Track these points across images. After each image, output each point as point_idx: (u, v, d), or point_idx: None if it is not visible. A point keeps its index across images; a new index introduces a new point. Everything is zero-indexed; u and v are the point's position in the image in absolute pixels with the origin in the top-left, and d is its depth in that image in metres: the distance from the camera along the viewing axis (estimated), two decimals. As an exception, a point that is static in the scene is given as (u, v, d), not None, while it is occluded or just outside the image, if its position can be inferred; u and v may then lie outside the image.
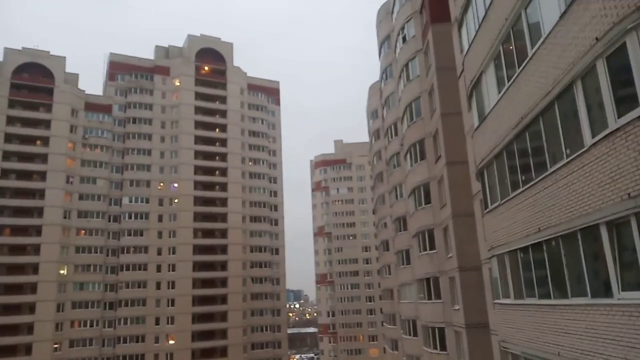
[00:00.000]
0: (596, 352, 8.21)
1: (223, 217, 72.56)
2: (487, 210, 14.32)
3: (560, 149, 9.40)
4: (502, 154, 12.61)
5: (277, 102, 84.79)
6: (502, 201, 12.77)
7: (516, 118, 11.25)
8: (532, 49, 10.43)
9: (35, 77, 64.73)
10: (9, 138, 61.96)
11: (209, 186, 73.09)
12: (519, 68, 11.13)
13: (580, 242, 8.81)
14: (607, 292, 7.97)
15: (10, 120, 62.53)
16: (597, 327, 8.22)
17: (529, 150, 11.00)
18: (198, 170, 72.21)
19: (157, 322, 65.20)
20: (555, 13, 9.27)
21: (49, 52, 66.68)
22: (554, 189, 9.66)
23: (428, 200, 29.09)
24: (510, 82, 11.74)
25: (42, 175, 62.64)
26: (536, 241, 10.64)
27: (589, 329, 8.50)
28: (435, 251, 28.11)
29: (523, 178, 11.38)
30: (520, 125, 11.07)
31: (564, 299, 9.50)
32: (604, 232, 7.94)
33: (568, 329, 9.32)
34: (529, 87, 10.62)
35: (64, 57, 67.52)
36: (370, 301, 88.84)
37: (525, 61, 10.71)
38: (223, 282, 70.20)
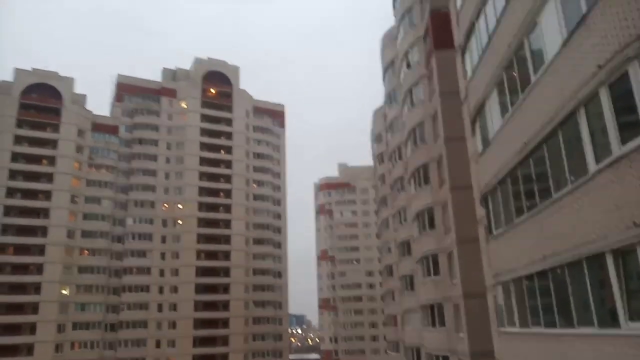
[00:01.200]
0: (604, 384, 7.99)
1: (226, 239, 72.29)
2: (492, 236, 14.18)
3: (564, 175, 9.35)
4: (506, 179, 12.56)
5: (282, 125, 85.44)
6: (507, 227, 12.66)
7: (520, 144, 11.24)
8: (535, 75, 10.50)
9: (44, 98, 65.67)
10: (15, 157, 62.52)
11: (213, 208, 73.10)
12: (522, 94, 11.18)
13: (585, 270, 8.68)
14: (614, 321, 7.80)
15: (18, 140, 63.21)
16: (604, 357, 8.02)
17: (533, 177, 10.95)
18: (202, 191, 72.36)
19: (158, 345, 64.36)
20: (557, 40, 9.35)
21: (57, 73, 67.83)
22: (558, 216, 9.57)
23: (432, 225, 28.88)
24: (513, 109, 11.78)
25: (48, 195, 62.92)
26: (541, 269, 10.49)
27: (595, 359, 8.29)
28: (439, 277, 27.76)
29: (527, 204, 11.30)
30: (524, 152, 11.05)
31: (570, 328, 9.31)
32: (609, 261, 7.82)
33: (575, 359, 9.09)
34: (532, 113, 10.64)
35: (72, 78, 68.68)
36: (373, 327, 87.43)
37: (529, 88, 10.77)
38: (225, 306, 69.47)
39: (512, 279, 12.41)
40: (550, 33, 9.77)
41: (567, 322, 9.45)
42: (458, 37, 17.42)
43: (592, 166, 8.26)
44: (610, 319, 7.96)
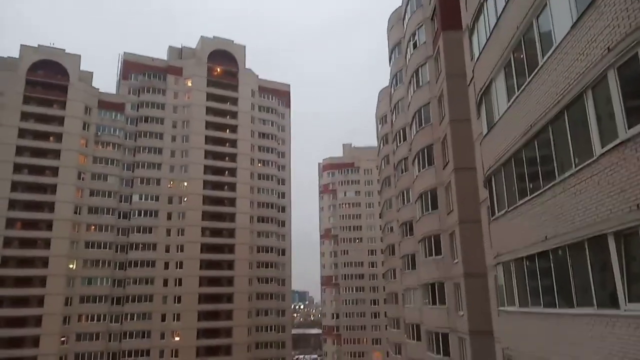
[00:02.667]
0: (601, 363, 8.20)
1: (231, 217, 72.91)
2: (494, 217, 14.31)
3: (569, 158, 9.40)
4: (510, 161, 12.62)
5: (288, 105, 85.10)
6: (509, 209, 12.76)
7: (525, 126, 11.26)
8: (543, 57, 10.45)
9: (50, 75, 65.55)
10: (22, 133, 62.77)
11: (218, 186, 73.51)
12: (529, 76, 11.15)
13: (587, 252, 8.80)
14: (613, 303, 7.95)
15: (25, 116, 63.35)
16: (602, 337, 8.21)
17: (538, 159, 11.00)
18: (208, 170, 72.67)
19: (164, 319, 65.61)
20: (567, 22, 9.29)
21: (64, 50, 67.53)
22: (561, 198, 9.66)
23: (435, 206, 29.05)
24: (520, 90, 11.75)
25: (54, 171, 63.37)
26: (543, 250, 10.64)
27: (594, 340, 8.48)
28: (441, 256, 28.06)
29: (531, 186, 11.38)
30: (529, 134, 11.08)
31: (569, 309, 9.48)
32: (611, 243, 7.93)
33: (573, 339, 9.30)
34: (539, 95, 10.63)
35: (79, 55, 68.35)
36: (374, 304, 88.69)
37: (536, 70, 10.73)
38: (229, 281, 70.49)
39: (514, 259, 12.58)
40: (559, 14, 9.70)
41: (567, 303, 9.63)
42: (466, 18, 17.24)
43: (597, 149, 8.30)
44: (609, 300, 8.12)
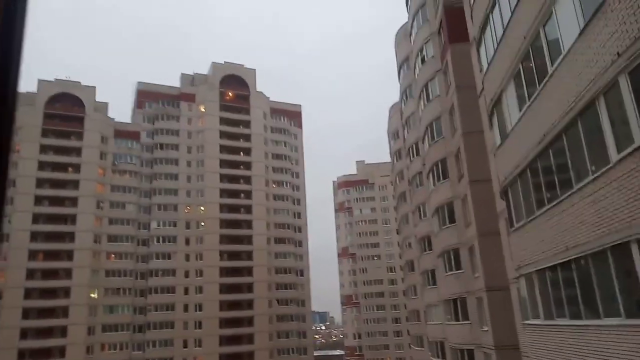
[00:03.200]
0: (633, 375, 7.93)
1: (248, 239, 73.00)
2: (513, 229, 14.10)
3: (585, 165, 9.29)
4: (525, 171, 12.49)
5: (300, 125, 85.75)
6: (528, 219, 12.58)
7: (539, 135, 11.17)
8: (552, 66, 10.42)
9: (67, 107, 67.23)
10: (42, 166, 64.21)
11: (234, 209, 73.87)
12: (539, 85, 11.11)
13: (610, 261, 8.61)
14: (641, 311, 7.73)
15: (43, 149, 64.89)
16: (632, 348, 7.96)
17: (553, 168, 10.88)
18: (223, 193, 73.18)
19: (185, 345, 65.41)
20: (574, 30, 9.28)
21: (79, 82, 69.40)
22: (580, 207, 9.51)
23: (452, 220, 28.74)
24: (531, 100, 11.70)
25: (74, 201, 64.45)
26: (564, 260, 10.43)
27: (623, 351, 8.23)
28: (461, 271, 27.63)
29: (548, 196, 11.22)
30: (543, 143, 10.98)
31: (596, 320, 9.24)
32: (635, 250, 7.76)
33: (601, 351, 9.04)
34: (550, 104, 10.57)
35: (94, 87, 70.15)
36: (396, 323, 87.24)
37: (546, 78, 10.69)
38: (249, 304, 70.19)
39: (535, 270, 12.34)
40: (566, 22, 9.70)
41: (593, 313, 9.39)
42: (473, 30, 17.32)
43: (613, 155, 8.19)
44: (637, 309, 7.90)
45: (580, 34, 9.04)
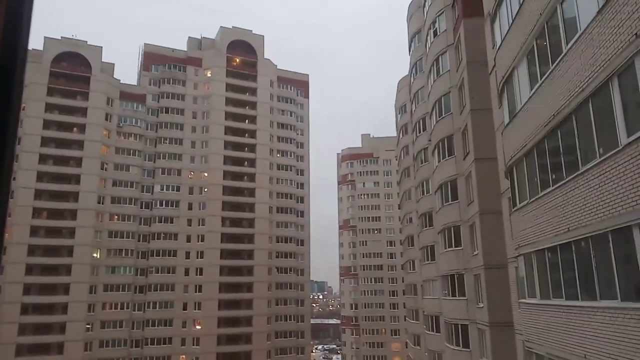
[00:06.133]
0: (625, 357, 8.06)
1: (250, 207, 73.48)
2: (515, 208, 14.11)
3: (593, 147, 9.20)
4: (532, 151, 12.40)
5: (306, 95, 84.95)
6: (531, 200, 12.57)
7: (548, 115, 11.03)
8: (567, 44, 10.20)
9: (73, 66, 66.64)
10: (47, 125, 64.15)
11: (238, 176, 74.08)
12: (552, 64, 10.90)
13: (611, 244, 8.63)
14: (638, 296, 7.80)
15: (49, 108, 64.68)
16: (627, 331, 8.06)
17: (561, 149, 10.79)
18: (227, 160, 73.21)
19: (185, 308, 66.76)
20: (592, 8, 9.04)
21: (86, 41, 68.54)
22: (585, 189, 9.47)
23: (455, 197, 28.77)
24: (543, 79, 11.50)
25: (78, 161, 64.66)
26: (565, 241, 10.47)
27: (618, 333, 8.34)
28: (460, 248, 27.84)
29: (553, 177, 11.17)
30: (553, 123, 10.86)
31: (592, 301, 9.34)
32: (636, 235, 7.76)
33: (596, 332, 9.16)
34: (562, 83, 10.39)
35: (101, 47, 69.30)
36: (393, 295, 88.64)
37: (560, 57, 10.48)
38: (249, 271, 71.24)
39: (535, 251, 12.41)
40: (584, 0, 9.43)
41: (590, 295, 9.48)
42: (487, 5, 16.90)
43: (623, 138, 8.10)
44: (634, 293, 7.97)
45: (598, 13, 8.80)
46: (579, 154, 9.81)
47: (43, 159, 63.14)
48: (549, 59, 11.16)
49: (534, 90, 12.13)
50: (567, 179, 10.26)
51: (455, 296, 28.11)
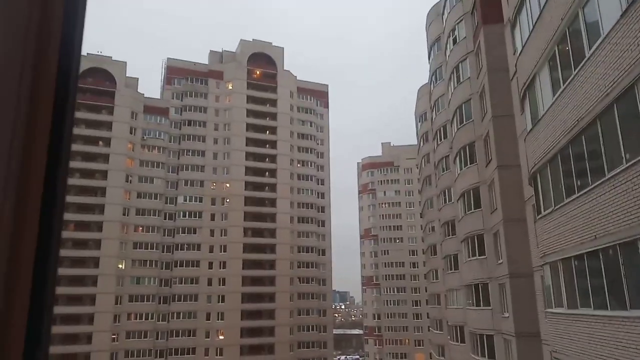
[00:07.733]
0: (656, 367, 7.82)
1: (272, 217, 73.86)
2: (540, 215, 13.87)
3: (619, 153, 9.03)
4: (556, 158, 12.21)
5: (326, 105, 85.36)
6: (556, 207, 12.35)
7: (572, 121, 10.87)
8: (589, 49, 10.07)
9: (99, 81, 68.50)
10: (74, 139, 65.78)
11: (259, 187, 74.65)
12: (575, 69, 10.77)
13: (640, 251, 8.42)
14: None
15: (75, 122, 66.25)
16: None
17: (585, 155, 10.60)
18: (249, 171, 73.94)
19: (208, 318, 67.23)
20: (615, 12, 8.93)
21: (111, 57, 70.48)
22: (612, 195, 9.28)
23: (478, 205, 28.40)
24: (565, 84, 11.36)
25: (104, 174, 66.23)
26: (592, 249, 10.24)
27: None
28: (484, 257, 27.41)
29: (579, 183, 10.98)
30: (576, 129, 10.69)
31: (622, 311, 9.10)
32: (666, 241, 7.56)
33: (626, 342, 8.91)
34: (585, 89, 10.24)
35: (125, 62, 71.16)
36: (416, 305, 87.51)
37: (582, 62, 10.35)
38: (271, 281, 71.41)
39: (561, 259, 12.17)
40: (607, 4, 9.33)
41: (619, 304, 9.24)
42: (507, 11, 16.81)
43: (649, 143, 7.93)
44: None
45: (621, 16, 8.69)
46: (604, 159, 9.64)
47: (70, 172, 64.55)
48: (571, 64, 11.03)
49: (556, 96, 11.98)
50: (592, 186, 10.07)
51: (480, 306, 27.62)
